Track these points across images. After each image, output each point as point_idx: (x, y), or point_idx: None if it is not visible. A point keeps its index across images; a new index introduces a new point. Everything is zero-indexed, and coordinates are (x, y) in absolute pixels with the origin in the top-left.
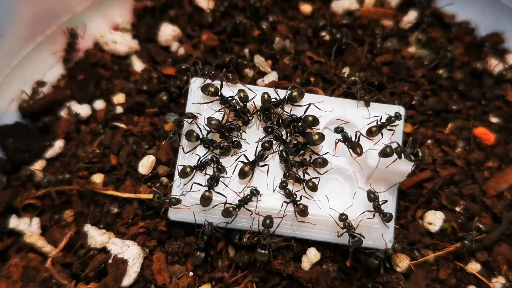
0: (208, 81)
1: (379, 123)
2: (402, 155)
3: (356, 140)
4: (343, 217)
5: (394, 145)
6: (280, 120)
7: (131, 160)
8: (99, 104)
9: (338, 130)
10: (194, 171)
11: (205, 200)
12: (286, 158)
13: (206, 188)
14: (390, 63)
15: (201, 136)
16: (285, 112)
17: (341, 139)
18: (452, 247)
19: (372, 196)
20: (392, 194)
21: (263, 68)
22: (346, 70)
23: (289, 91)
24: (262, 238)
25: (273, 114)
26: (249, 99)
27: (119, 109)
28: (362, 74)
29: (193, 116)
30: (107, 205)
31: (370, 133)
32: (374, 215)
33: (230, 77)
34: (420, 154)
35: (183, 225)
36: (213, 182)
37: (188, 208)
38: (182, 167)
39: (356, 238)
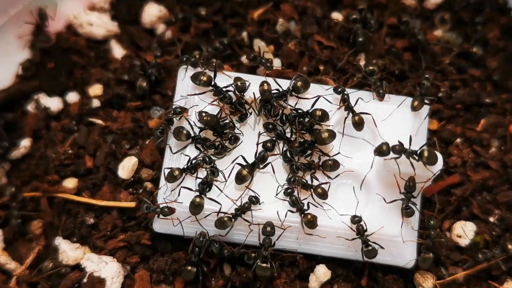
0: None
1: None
2: (403, 155)
3: (354, 105)
4: (356, 219)
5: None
6: (284, 115)
7: (109, 162)
8: (73, 97)
9: (339, 90)
10: (184, 174)
11: (196, 207)
12: (290, 160)
13: (197, 194)
14: (413, 49)
15: (192, 134)
16: (289, 106)
17: (341, 101)
18: (485, 264)
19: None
20: (415, 202)
21: (264, 55)
22: (361, 57)
23: (293, 81)
24: (263, 249)
25: (274, 107)
26: (247, 88)
27: (96, 103)
28: (381, 62)
29: (181, 111)
30: (82, 215)
31: None
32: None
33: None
34: (425, 154)
35: (170, 238)
36: (205, 186)
37: (175, 219)
38: (169, 169)
39: (370, 248)
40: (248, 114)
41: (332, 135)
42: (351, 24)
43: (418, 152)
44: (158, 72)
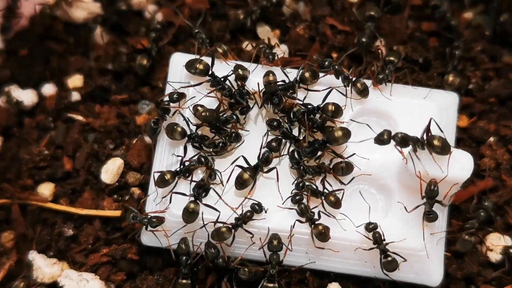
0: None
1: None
2: (410, 144)
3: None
4: (371, 226)
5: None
6: (292, 112)
7: (91, 164)
8: (49, 89)
9: (325, 64)
10: (177, 178)
11: (190, 215)
12: (298, 162)
13: (192, 199)
14: (440, 34)
15: (188, 132)
16: (297, 100)
17: (335, 75)
18: None
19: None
20: (441, 210)
21: (269, 40)
22: (380, 43)
23: (300, 71)
24: (270, 267)
25: (282, 101)
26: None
27: (76, 96)
28: (402, 49)
29: (179, 97)
30: (59, 225)
31: None
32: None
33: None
34: (435, 142)
35: (160, 252)
36: (201, 191)
37: (167, 230)
38: (160, 173)
39: (390, 259)
40: (250, 107)
41: (346, 133)
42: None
43: (426, 139)
44: (160, 39)
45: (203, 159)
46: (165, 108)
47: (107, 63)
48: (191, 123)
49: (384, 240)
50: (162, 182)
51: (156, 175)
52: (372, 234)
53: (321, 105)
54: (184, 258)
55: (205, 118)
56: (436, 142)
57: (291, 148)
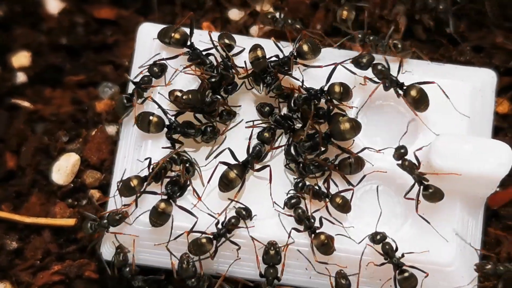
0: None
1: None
2: (386, 81)
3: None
4: (378, 237)
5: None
6: (294, 99)
7: (39, 161)
8: None
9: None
10: (145, 184)
11: (159, 216)
12: (295, 159)
13: (165, 197)
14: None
15: (167, 122)
16: (294, 80)
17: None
18: None
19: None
20: (474, 217)
21: (261, 8)
22: (400, 11)
23: (297, 44)
24: (267, 283)
25: (275, 81)
26: (237, 50)
27: (21, 77)
28: (426, 18)
29: (161, 70)
30: (0, 237)
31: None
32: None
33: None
34: (411, 93)
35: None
36: (176, 189)
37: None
38: (124, 180)
39: (407, 275)
40: (238, 85)
41: (355, 126)
42: None
43: (405, 87)
44: None
45: (176, 157)
46: (143, 85)
47: (61, 37)
48: (162, 109)
49: (397, 251)
50: (127, 189)
51: (119, 184)
52: (382, 247)
53: (327, 87)
54: (126, 270)
55: (188, 102)
56: (413, 93)
57: (287, 141)
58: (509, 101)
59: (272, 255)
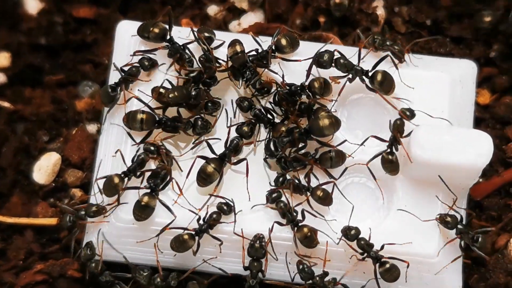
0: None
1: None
2: (350, 73)
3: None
4: (352, 233)
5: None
6: (277, 95)
7: (20, 161)
8: None
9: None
10: (127, 180)
11: (143, 210)
12: (273, 153)
13: (147, 191)
14: None
15: (157, 118)
16: (273, 74)
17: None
18: None
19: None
20: (457, 208)
21: (239, 3)
22: (378, 4)
23: (275, 38)
24: (251, 276)
25: (254, 76)
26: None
27: (1, 78)
28: (405, 10)
29: (151, 65)
30: None
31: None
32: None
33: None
34: (377, 78)
35: (109, 266)
36: (158, 181)
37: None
38: (105, 178)
39: (388, 266)
40: (217, 79)
41: (334, 123)
42: None
43: (370, 74)
44: None
45: (152, 148)
46: (131, 77)
47: (40, 37)
48: (146, 105)
49: (373, 246)
50: (109, 188)
51: (100, 183)
52: (357, 243)
53: (307, 82)
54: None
55: (175, 99)
56: (379, 77)
57: (266, 135)
58: (490, 92)
59: (257, 248)
